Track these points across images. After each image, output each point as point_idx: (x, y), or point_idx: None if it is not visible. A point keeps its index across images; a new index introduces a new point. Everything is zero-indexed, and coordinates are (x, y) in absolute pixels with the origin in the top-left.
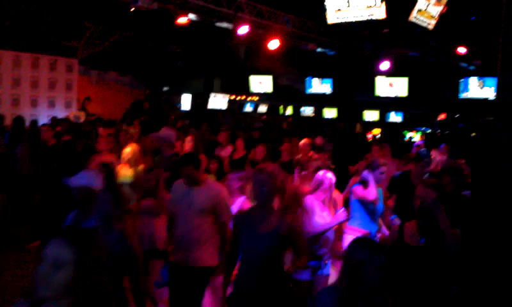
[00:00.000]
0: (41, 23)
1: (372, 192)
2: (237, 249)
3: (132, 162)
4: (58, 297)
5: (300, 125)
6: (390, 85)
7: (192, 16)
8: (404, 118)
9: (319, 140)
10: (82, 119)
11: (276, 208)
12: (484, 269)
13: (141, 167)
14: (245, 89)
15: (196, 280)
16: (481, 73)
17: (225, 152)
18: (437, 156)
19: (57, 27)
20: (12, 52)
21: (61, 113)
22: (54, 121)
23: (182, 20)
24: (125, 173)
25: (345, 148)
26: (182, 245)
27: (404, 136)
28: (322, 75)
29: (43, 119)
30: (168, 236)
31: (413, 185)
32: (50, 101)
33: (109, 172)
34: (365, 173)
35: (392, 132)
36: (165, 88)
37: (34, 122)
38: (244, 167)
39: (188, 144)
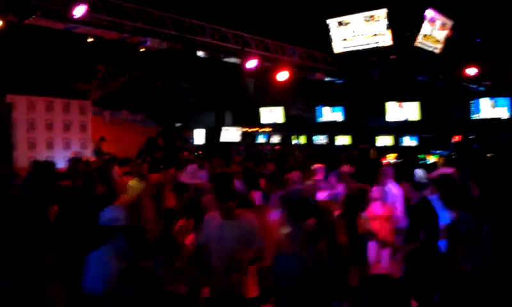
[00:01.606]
0: (53, 68)
1: None
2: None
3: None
4: None
5: (313, 153)
6: (400, 106)
7: (200, 53)
8: (419, 141)
9: (346, 168)
10: (83, 159)
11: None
12: None
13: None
14: (257, 121)
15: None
16: (491, 94)
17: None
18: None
19: (69, 71)
20: (26, 96)
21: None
22: (74, 161)
23: (191, 58)
24: None
25: (361, 174)
26: (219, 277)
27: (420, 159)
28: (332, 104)
29: (60, 160)
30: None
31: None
32: (65, 142)
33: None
34: None
35: (408, 157)
36: (177, 124)
37: (51, 164)
38: None
39: None
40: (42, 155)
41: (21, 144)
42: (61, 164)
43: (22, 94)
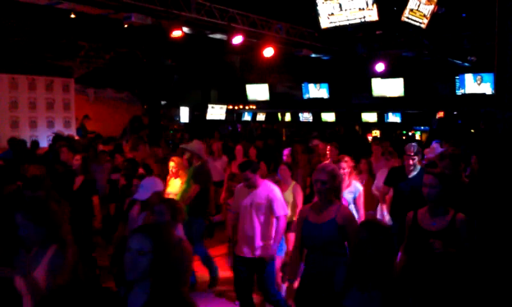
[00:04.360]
0: (36, 45)
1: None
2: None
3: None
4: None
5: (299, 130)
6: (385, 82)
7: (186, 29)
8: (402, 117)
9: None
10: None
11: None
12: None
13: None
14: (242, 99)
15: (256, 269)
16: (476, 69)
17: (219, 163)
18: None
19: (51, 48)
20: (8, 74)
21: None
22: (58, 138)
23: (176, 34)
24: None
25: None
26: (244, 239)
27: (403, 135)
28: (318, 80)
29: (43, 139)
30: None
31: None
32: (49, 121)
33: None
34: None
35: (391, 132)
36: (163, 102)
37: (34, 143)
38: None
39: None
40: (26, 134)
41: (4, 123)
42: (45, 142)
43: (4, 72)
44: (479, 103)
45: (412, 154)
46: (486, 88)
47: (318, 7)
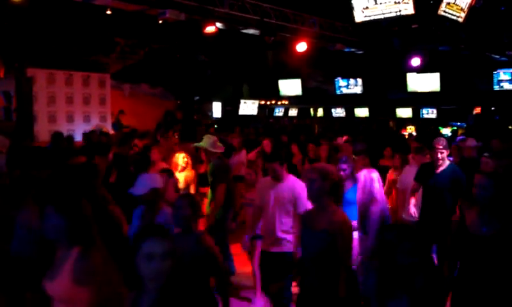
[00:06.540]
0: (73, 42)
1: None
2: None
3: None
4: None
5: (332, 126)
6: (421, 77)
7: (219, 24)
8: (438, 113)
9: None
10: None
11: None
12: None
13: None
14: (274, 94)
15: (279, 264)
16: None
17: (239, 157)
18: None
19: (88, 44)
20: (46, 70)
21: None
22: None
23: (210, 29)
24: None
25: (380, 146)
26: (267, 234)
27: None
28: (351, 75)
29: (79, 133)
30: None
31: None
32: (85, 116)
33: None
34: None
35: (427, 128)
36: (196, 97)
37: (69, 138)
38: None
39: None
40: (63, 128)
41: (42, 118)
42: (81, 137)
43: (42, 67)
44: None
45: (441, 147)
46: None
47: (352, 1)
